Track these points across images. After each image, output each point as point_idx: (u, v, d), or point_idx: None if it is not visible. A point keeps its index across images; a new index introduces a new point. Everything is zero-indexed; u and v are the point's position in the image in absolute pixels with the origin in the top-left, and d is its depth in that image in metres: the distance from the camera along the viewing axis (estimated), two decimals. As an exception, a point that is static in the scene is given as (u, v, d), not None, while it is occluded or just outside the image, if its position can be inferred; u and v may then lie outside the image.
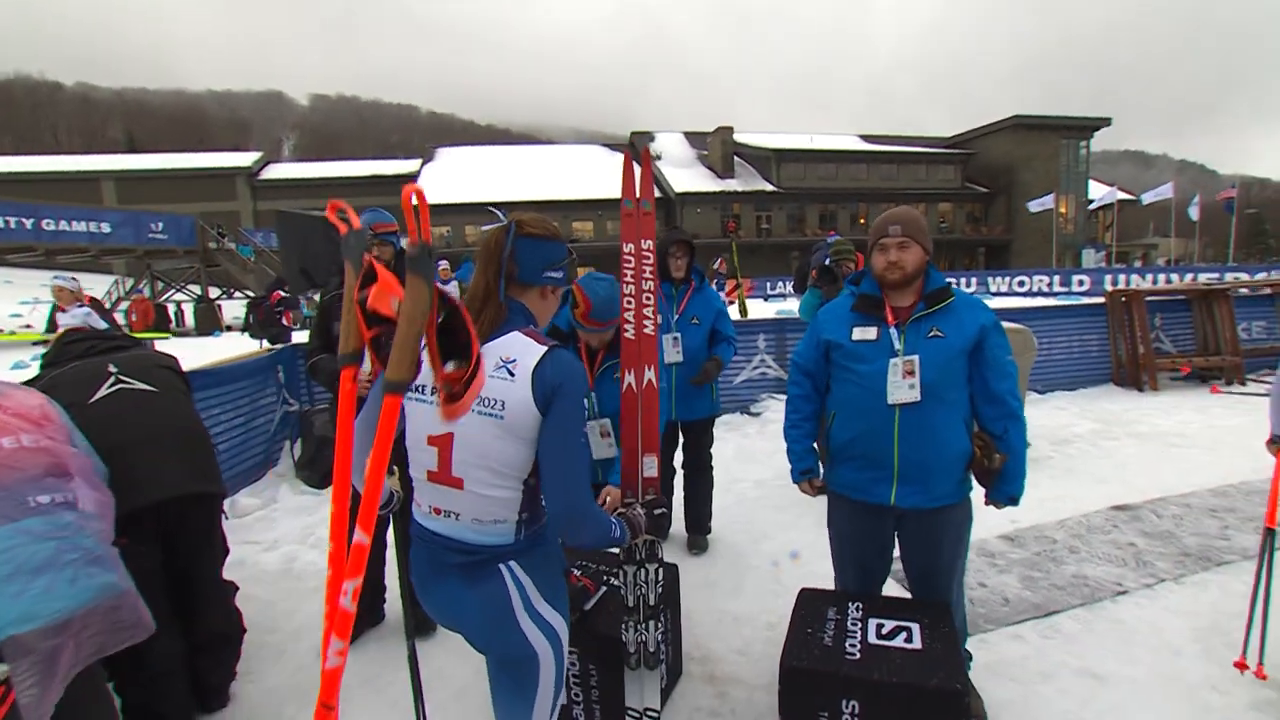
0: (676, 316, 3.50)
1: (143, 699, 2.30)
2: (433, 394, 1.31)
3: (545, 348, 1.32)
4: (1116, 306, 7.53)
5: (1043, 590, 3.02)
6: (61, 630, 1.45)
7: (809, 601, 2.13)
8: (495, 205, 1.45)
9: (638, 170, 1.95)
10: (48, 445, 1.71)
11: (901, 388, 1.97)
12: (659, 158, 44.47)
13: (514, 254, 1.37)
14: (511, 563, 1.36)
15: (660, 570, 1.81)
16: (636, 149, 46.69)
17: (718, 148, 43.58)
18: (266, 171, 44.23)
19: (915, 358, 1.97)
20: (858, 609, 2.04)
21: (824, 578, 2.50)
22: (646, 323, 1.84)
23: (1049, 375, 7.29)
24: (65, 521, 1.59)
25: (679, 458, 3.81)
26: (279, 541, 3.96)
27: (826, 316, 2.21)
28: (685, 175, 42.41)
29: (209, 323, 22.15)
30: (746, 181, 42.62)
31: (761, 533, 3.90)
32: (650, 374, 1.83)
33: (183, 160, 44.26)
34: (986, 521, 2.66)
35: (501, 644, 1.40)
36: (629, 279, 1.87)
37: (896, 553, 2.22)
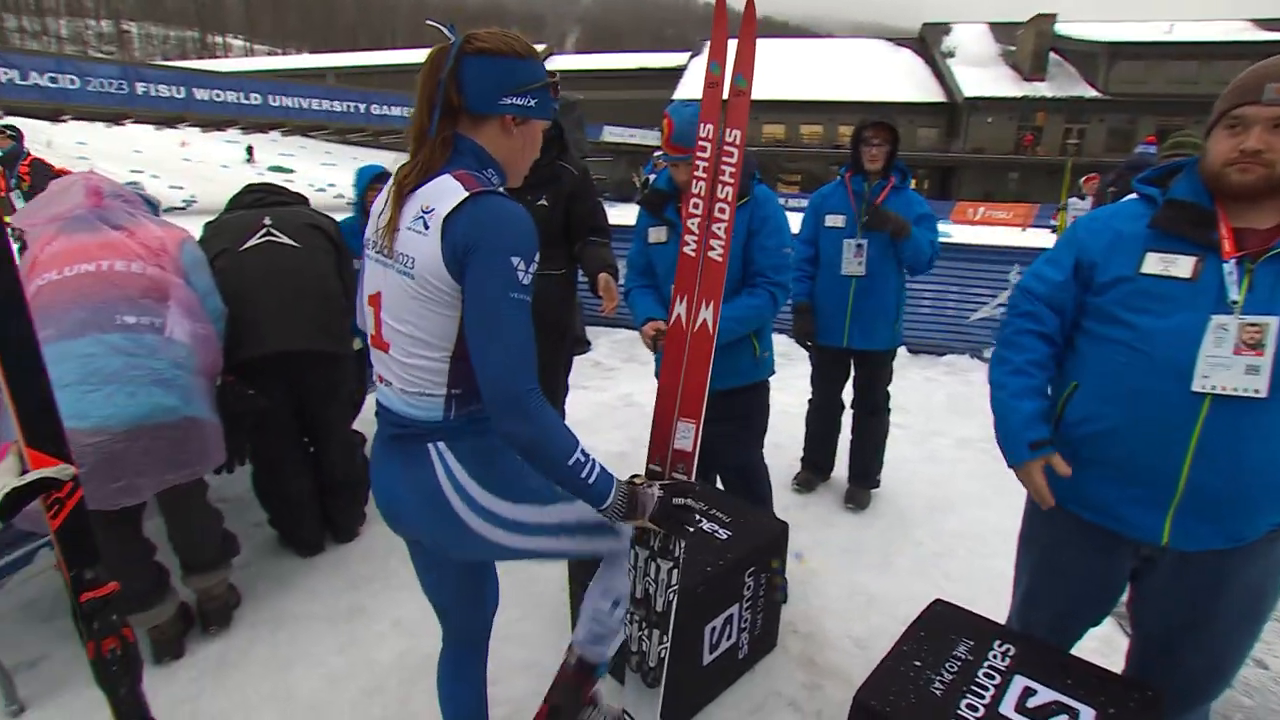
0: (865, 219, 2.77)
1: (282, 523, 2.60)
2: (375, 249, 1.17)
3: (467, 193, 1.04)
4: None
5: (1376, 697, 1.96)
6: (112, 437, 1.55)
7: (938, 619, 1.54)
8: (439, 23, 1.13)
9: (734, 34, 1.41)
10: (153, 274, 1.82)
11: (1228, 368, 1.15)
12: (951, 54, 38.22)
13: (457, 77, 1.08)
14: (440, 443, 1.16)
15: (674, 573, 1.37)
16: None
17: (1030, 41, 35.83)
18: (548, 64, 47.36)
19: (1272, 321, 1.14)
20: (1004, 654, 1.41)
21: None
22: (716, 244, 1.32)
23: None
24: (145, 342, 1.69)
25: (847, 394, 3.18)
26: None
27: (1094, 229, 1.36)
28: (979, 76, 35.99)
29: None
30: (1060, 85, 34.81)
31: (945, 502, 3.17)
32: (708, 314, 1.32)
33: (482, 53, 49.57)
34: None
35: (442, 533, 1.20)
36: (700, 173, 1.36)
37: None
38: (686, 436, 1.31)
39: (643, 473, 1.37)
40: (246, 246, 2.33)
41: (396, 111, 25.47)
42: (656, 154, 9.92)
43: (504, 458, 1.21)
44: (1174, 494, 1.24)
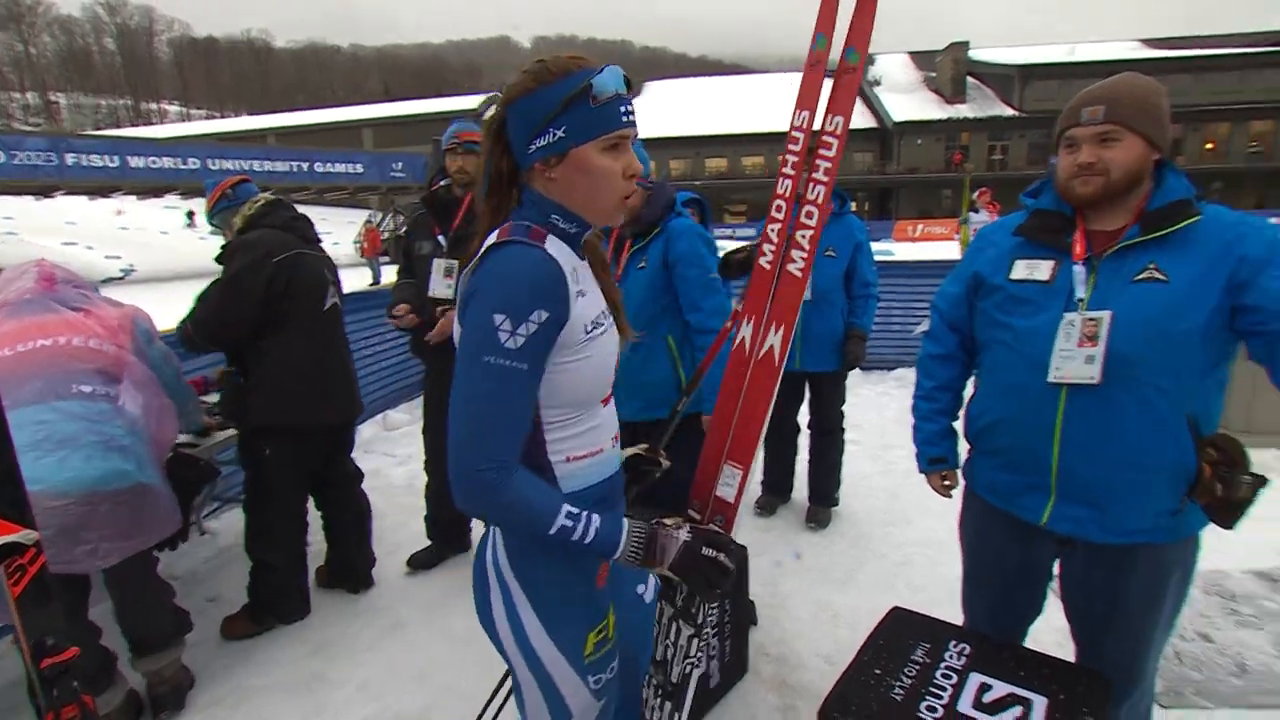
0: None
1: (262, 588, 2.54)
2: None
3: (488, 243, 0.96)
4: None
5: (1308, 663, 2.08)
6: (75, 500, 1.55)
7: (896, 626, 1.59)
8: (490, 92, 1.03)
9: None
10: (110, 351, 1.83)
11: (1073, 359, 1.28)
12: (877, 82, 40.23)
13: (507, 136, 1.00)
14: (497, 535, 1.06)
15: (694, 642, 1.14)
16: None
17: (948, 68, 38.18)
18: (491, 111, 48.01)
19: (1105, 314, 1.26)
20: (960, 653, 1.46)
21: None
22: (797, 256, 1.06)
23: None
24: (100, 409, 1.71)
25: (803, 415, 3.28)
26: (411, 457, 4.18)
27: (981, 242, 1.53)
28: (906, 102, 37.95)
29: (435, 252, 25.18)
30: (980, 106, 37.00)
31: (901, 516, 3.26)
32: (776, 339, 1.09)
33: (422, 106, 49.70)
34: (1233, 548, 1.92)
35: (486, 627, 1.09)
36: (787, 170, 1.10)
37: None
38: (730, 484, 1.11)
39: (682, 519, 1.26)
40: (325, 309, 2.43)
41: (340, 168, 25.39)
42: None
43: (561, 578, 1.05)
44: (1049, 479, 1.37)
